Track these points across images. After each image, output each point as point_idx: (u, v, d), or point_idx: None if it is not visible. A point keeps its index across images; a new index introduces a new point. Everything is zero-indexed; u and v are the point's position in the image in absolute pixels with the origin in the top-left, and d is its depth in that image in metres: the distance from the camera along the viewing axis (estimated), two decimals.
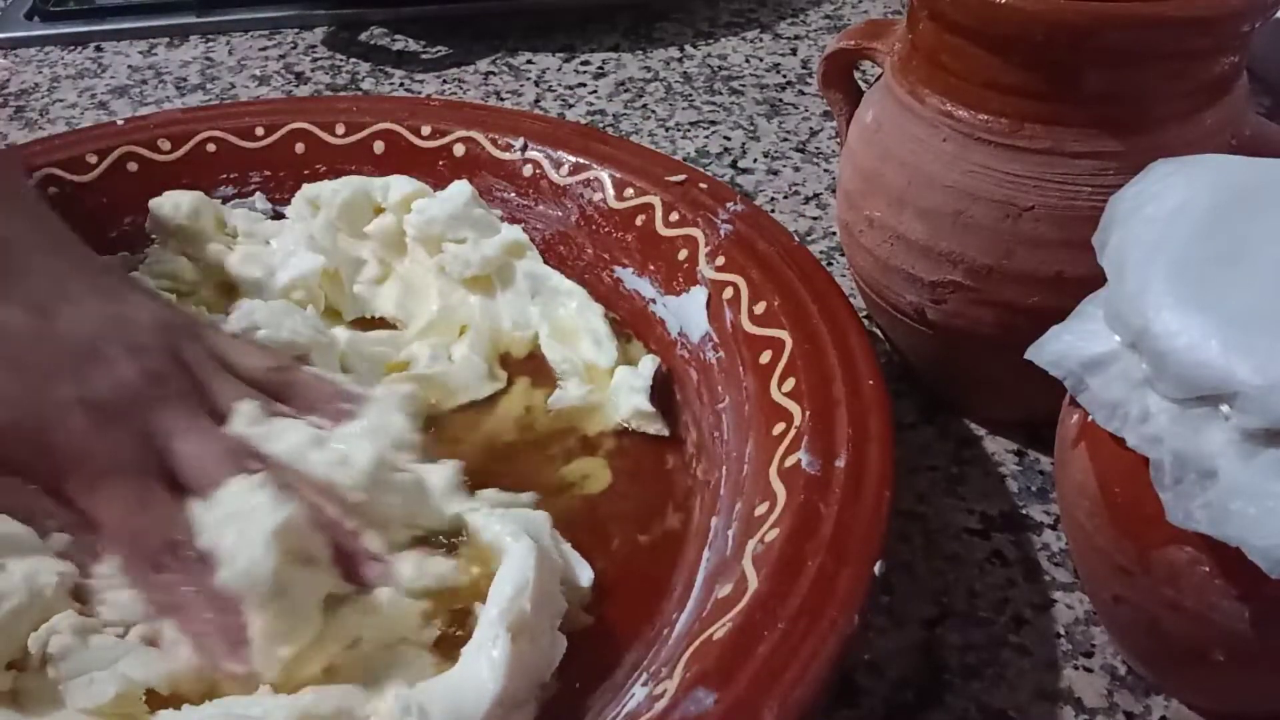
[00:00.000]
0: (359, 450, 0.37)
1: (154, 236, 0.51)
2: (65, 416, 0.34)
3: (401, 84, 0.73)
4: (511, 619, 0.32)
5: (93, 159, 0.52)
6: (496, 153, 0.52)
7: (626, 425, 0.43)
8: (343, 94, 0.72)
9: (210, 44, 0.78)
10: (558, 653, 0.34)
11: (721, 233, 0.45)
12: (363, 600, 0.34)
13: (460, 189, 0.49)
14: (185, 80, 0.74)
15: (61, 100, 0.71)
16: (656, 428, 0.43)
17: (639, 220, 0.48)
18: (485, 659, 0.32)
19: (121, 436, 0.35)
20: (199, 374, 0.37)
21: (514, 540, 0.35)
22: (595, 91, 0.71)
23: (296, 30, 0.79)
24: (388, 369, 0.46)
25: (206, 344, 0.39)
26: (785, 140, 0.66)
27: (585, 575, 0.37)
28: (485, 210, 0.50)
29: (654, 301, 0.47)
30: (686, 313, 0.45)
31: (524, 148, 0.52)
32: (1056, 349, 0.31)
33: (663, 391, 0.44)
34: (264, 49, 0.77)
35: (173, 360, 0.37)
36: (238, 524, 0.33)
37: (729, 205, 0.47)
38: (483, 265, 0.48)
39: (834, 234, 0.57)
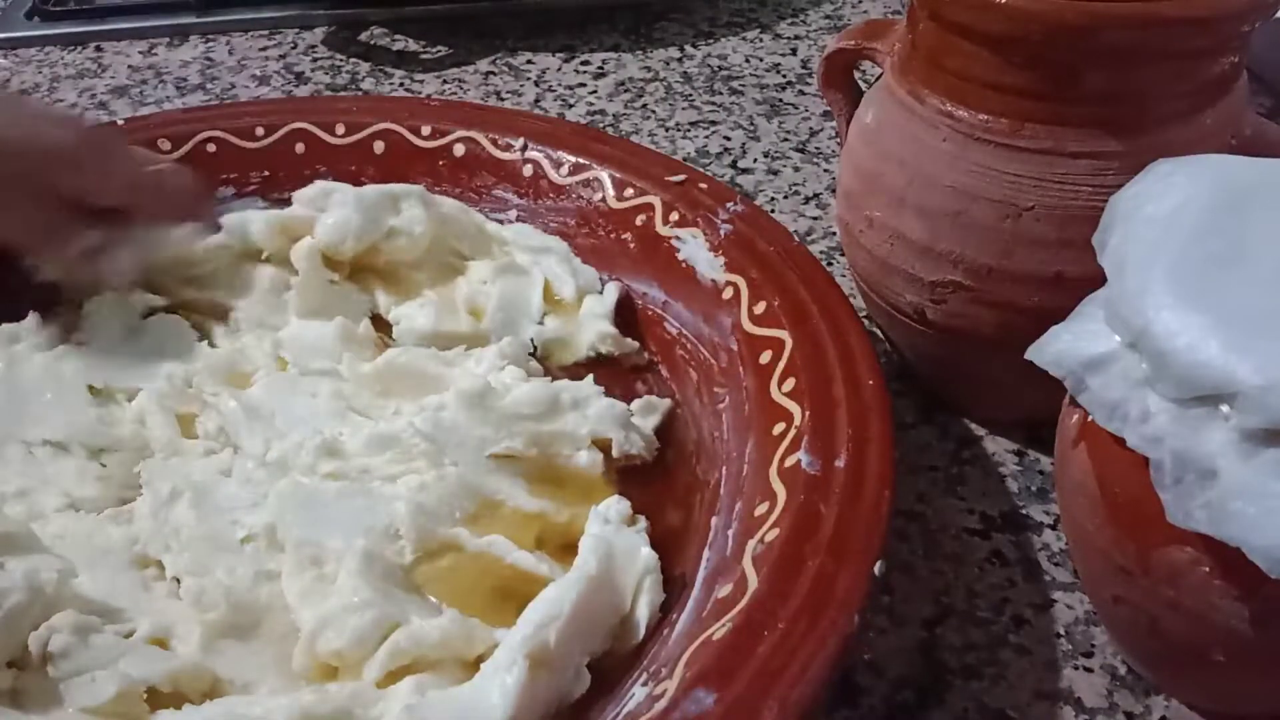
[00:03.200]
0: None
1: None
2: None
3: (401, 84, 0.73)
4: (532, 648, 0.31)
5: None
6: (496, 153, 0.52)
7: (597, 352, 0.45)
8: (343, 94, 0.72)
9: (210, 44, 0.78)
10: (579, 687, 0.33)
11: (721, 233, 0.45)
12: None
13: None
14: (185, 80, 0.74)
15: (61, 100, 0.71)
16: (624, 348, 0.45)
17: (639, 220, 0.48)
18: (499, 683, 0.31)
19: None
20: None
21: (577, 562, 0.35)
22: (595, 91, 0.71)
23: (296, 30, 0.79)
24: None
25: None
26: (785, 140, 0.66)
27: (643, 624, 0.35)
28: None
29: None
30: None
31: (524, 148, 0.52)
32: (1056, 349, 0.31)
33: (662, 388, 0.44)
34: (264, 49, 0.77)
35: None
36: None
37: (729, 205, 0.47)
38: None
39: (834, 234, 0.57)
